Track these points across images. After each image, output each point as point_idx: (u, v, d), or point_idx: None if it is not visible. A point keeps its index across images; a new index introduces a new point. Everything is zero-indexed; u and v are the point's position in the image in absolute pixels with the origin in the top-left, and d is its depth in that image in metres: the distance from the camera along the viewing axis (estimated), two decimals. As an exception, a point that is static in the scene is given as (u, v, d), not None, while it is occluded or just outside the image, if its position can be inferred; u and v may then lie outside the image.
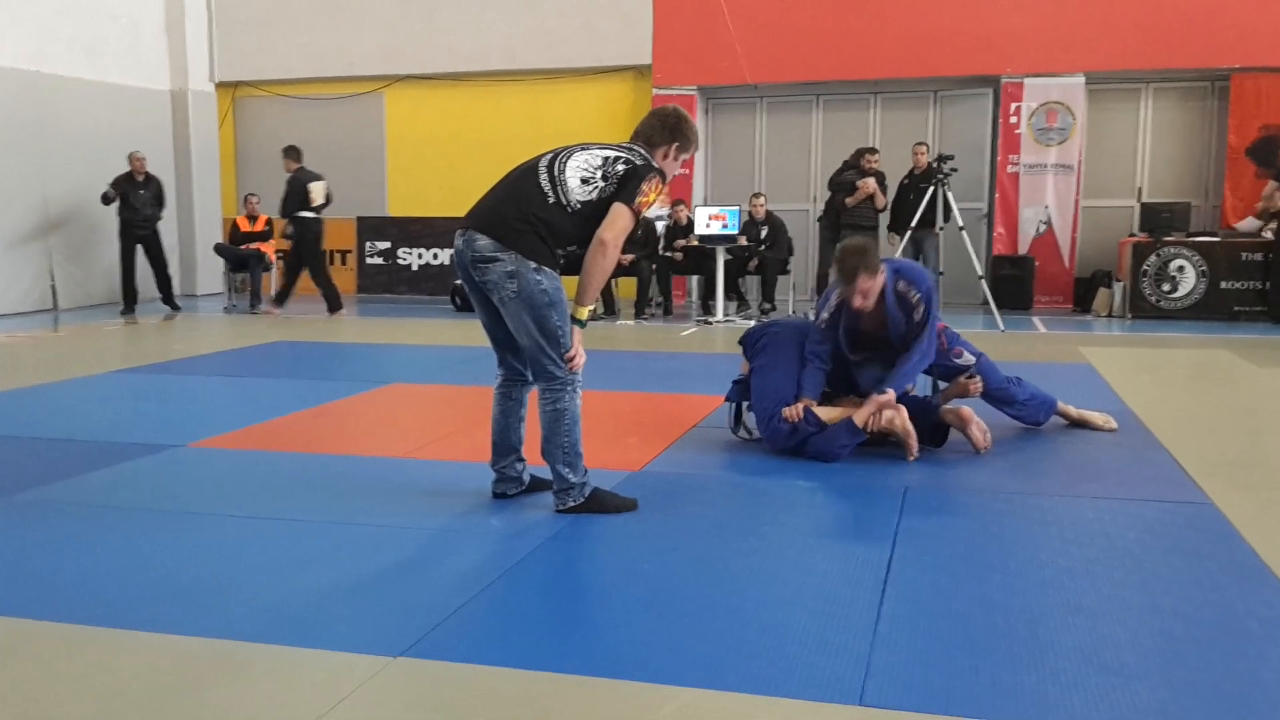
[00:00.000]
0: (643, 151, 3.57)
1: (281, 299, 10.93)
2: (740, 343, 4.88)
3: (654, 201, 3.49)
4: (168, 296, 11.25)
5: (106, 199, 10.77)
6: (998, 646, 2.56)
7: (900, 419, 4.40)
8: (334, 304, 10.68)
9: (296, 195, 10.47)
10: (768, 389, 4.59)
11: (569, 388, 3.54)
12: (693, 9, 11.97)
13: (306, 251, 10.61)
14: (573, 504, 3.60)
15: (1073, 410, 5.00)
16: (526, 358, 3.58)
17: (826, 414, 4.48)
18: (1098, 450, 4.67)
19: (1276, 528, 3.55)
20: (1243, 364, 7.39)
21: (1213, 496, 3.89)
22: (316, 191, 10.53)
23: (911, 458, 4.40)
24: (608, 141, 3.66)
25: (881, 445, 4.54)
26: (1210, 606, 2.86)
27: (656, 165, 3.55)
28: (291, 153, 10.72)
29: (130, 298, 10.97)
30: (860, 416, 4.43)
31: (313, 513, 3.73)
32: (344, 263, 13.71)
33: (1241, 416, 5.68)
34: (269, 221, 11.77)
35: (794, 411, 4.44)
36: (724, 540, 3.43)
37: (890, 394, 4.40)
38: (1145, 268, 10.29)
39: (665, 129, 3.62)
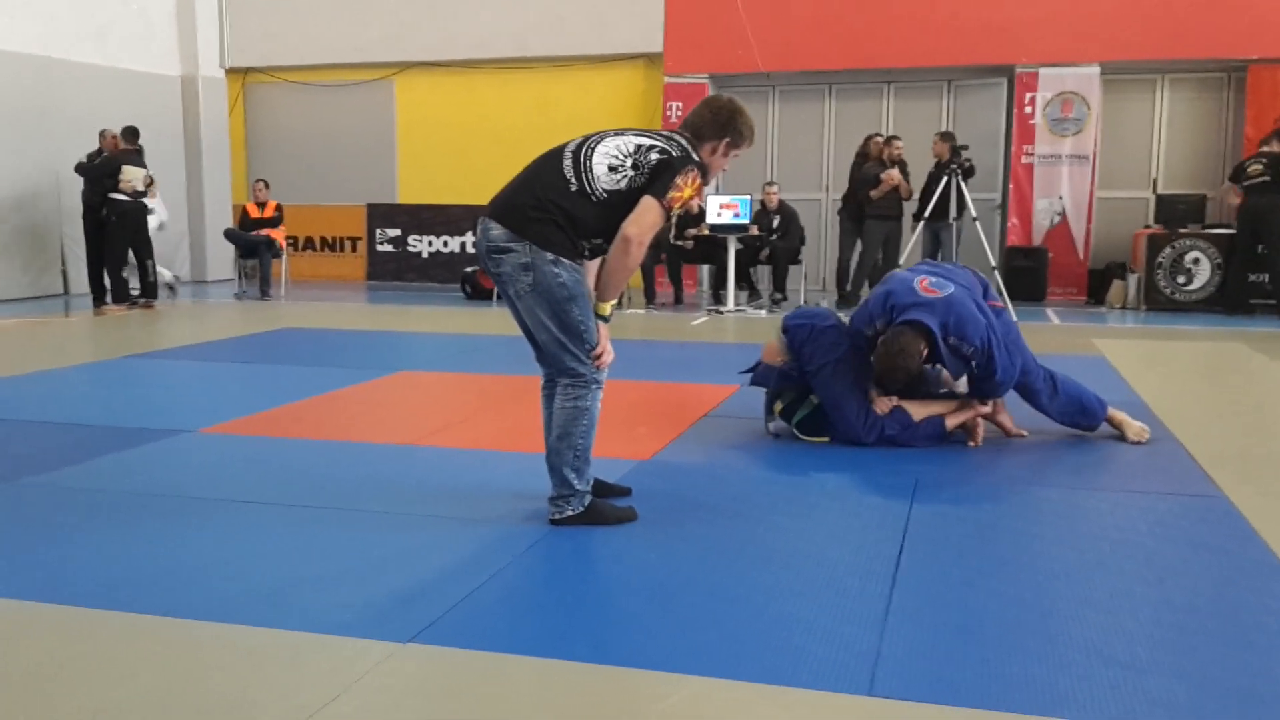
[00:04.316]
0: (684, 142, 3.29)
1: (155, 290, 10.39)
2: (784, 332, 4.68)
3: (689, 198, 3.26)
4: (113, 286, 10.09)
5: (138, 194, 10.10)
6: (1007, 638, 2.55)
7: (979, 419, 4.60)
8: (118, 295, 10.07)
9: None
10: (844, 390, 4.49)
11: (593, 385, 3.32)
12: (705, -4, 11.91)
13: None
14: (570, 513, 3.37)
15: (1115, 416, 4.73)
16: (546, 354, 3.37)
17: (915, 410, 4.51)
18: (1109, 443, 4.64)
19: (1290, 522, 3.52)
20: (1257, 357, 7.34)
21: (1225, 490, 3.86)
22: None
23: (973, 444, 4.55)
24: (642, 129, 3.41)
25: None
26: (1222, 600, 2.85)
27: (697, 159, 3.27)
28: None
29: (101, 286, 10.01)
30: (954, 420, 4.53)
31: (322, 499, 3.73)
32: (354, 250, 13.74)
33: (1255, 409, 5.64)
34: (279, 208, 11.77)
35: (884, 405, 4.48)
36: (733, 530, 3.42)
37: (990, 405, 4.56)
38: (1160, 259, 10.23)
39: (716, 123, 3.34)
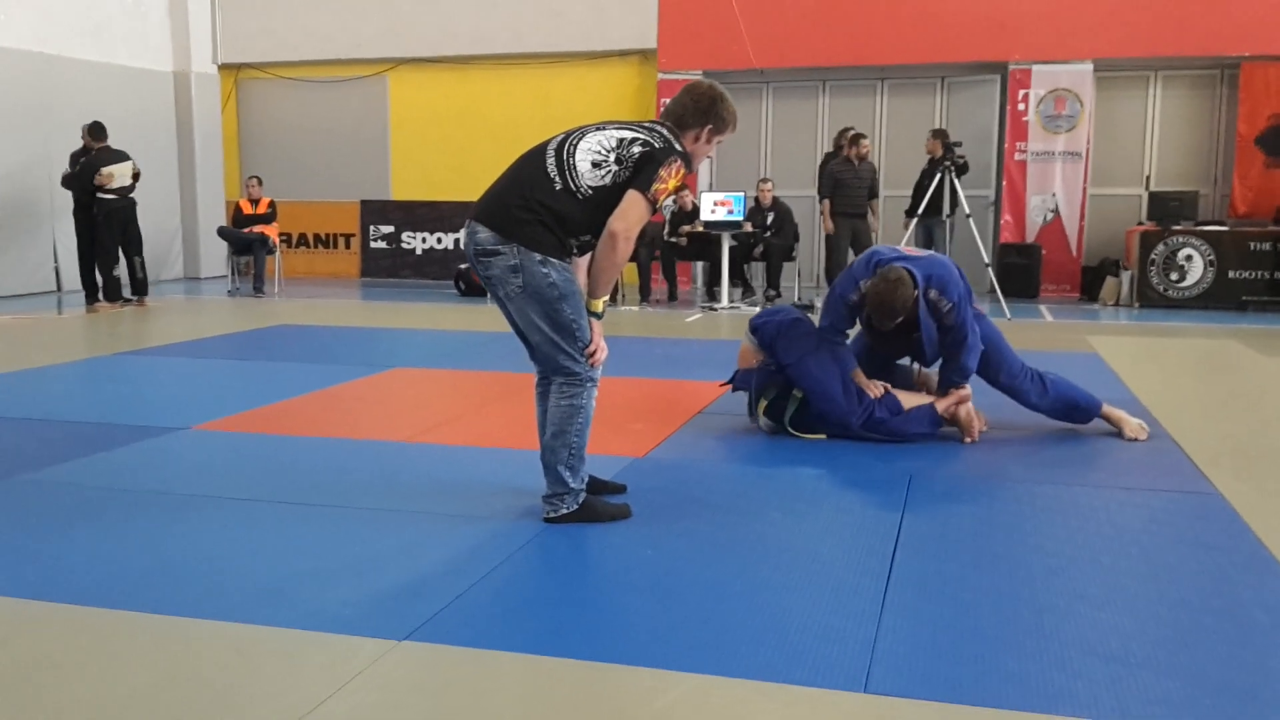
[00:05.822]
0: (666, 133, 3.26)
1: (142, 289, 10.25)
2: (752, 332, 4.75)
3: (674, 189, 3.23)
4: (107, 284, 10.00)
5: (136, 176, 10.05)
6: (1003, 635, 2.55)
7: (967, 408, 4.62)
8: (110, 294, 9.97)
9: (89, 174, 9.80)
10: (826, 375, 4.51)
11: (588, 383, 3.30)
12: (699, -7, 11.90)
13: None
14: (565, 511, 3.36)
15: (1112, 413, 4.75)
16: (539, 354, 3.36)
17: (903, 399, 4.57)
18: (1104, 439, 4.65)
19: (1284, 518, 3.53)
20: (1250, 353, 7.36)
21: (1219, 486, 3.87)
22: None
23: (969, 440, 4.56)
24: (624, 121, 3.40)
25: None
26: (1216, 596, 2.85)
27: (680, 149, 3.24)
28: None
29: (93, 284, 9.97)
30: (943, 406, 4.58)
31: (316, 496, 3.72)
32: (347, 246, 13.71)
33: (1249, 406, 5.65)
34: (272, 204, 11.74)
35: (875, 389, 4.54)
36: (728, 526, 3.42)
37: (968, 389, 4.59)
38: (1153, 256, 10.26)
39: (698, 110, 3.30)
